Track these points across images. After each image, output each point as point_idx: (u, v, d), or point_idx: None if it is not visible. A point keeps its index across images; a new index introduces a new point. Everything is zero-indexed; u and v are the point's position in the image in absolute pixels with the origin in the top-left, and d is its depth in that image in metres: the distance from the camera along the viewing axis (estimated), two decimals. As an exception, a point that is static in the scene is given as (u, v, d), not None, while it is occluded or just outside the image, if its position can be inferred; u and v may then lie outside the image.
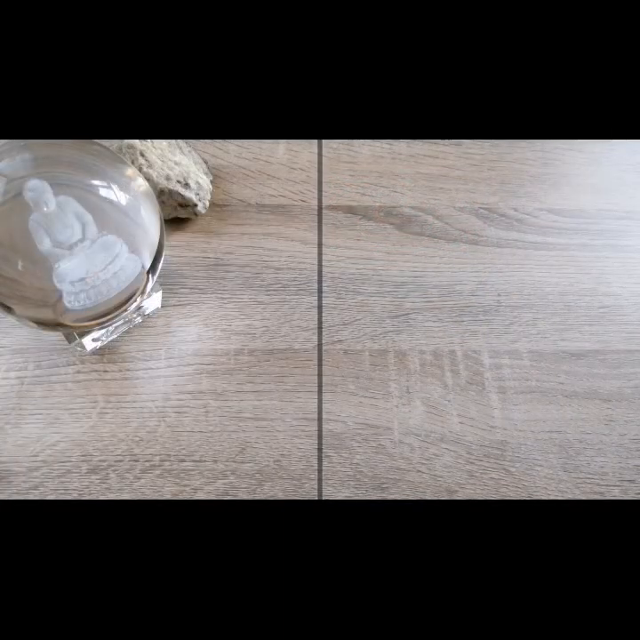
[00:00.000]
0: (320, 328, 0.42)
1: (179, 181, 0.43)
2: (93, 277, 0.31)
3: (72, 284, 0.31)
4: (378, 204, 0.48)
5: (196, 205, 0.44)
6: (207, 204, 0.45)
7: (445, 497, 0.37)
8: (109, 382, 0.39)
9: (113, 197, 0.32)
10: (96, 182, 0.31)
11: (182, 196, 0.43)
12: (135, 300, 0.35)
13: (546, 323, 0.43)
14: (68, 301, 0.31)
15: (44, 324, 0.33)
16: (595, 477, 0.38)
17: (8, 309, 0.31)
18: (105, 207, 0.31)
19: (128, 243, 0.32)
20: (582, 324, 0.44)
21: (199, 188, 0.44)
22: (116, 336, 0.40)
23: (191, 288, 0.43)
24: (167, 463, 0.37)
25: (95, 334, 0.38)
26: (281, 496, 0.36)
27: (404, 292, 0.44)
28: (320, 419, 0.39)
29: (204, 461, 0.37)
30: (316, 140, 0.50)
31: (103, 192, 0.31)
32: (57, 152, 0.31)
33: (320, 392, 0.40)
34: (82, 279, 0.31)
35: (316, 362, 0.41)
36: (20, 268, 0.30)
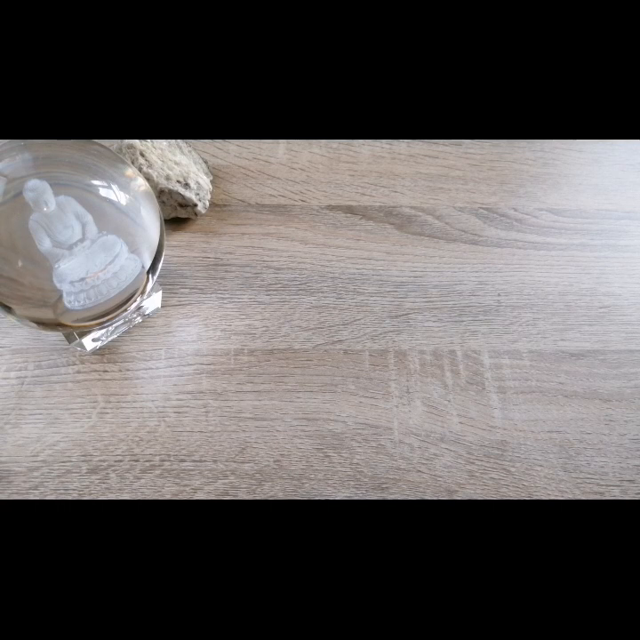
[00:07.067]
0: (320, 328, 0.42)
1: (179, 181, 0.43)
2: (93, 277, 0.31)
3: (72, 284, 0.31)
4: (378, 204, 0.48)
5: (195, 205, 0.44)
6: (207, 203, 0.45)
7: (445, 497, 0.37)
8: (109, 382, 0.39)
9: (113, 197, 0.32)
10: (96, 182, 0.31)
11: (182, 195, 0.43)
12: (135, 300, 0.35)
13: (546, 323, 0.43)
14: (68, 301, 0.31)
15: (44, 323, 0.33)
16: (595, 477, 0.38)
17: (8, 309, 0.31)
18: (105, 207, 0.31)
19: (128, 243, 0.32)
20: (582, 323, 0.44)
21: (199, 188, 0.44)
22: (116, 336, 0.40)
23: (191, 288, 0.43)
24: (167, 463, 0.37)
25: (95, 334, 0.38)
26: (281, 496, 0.36)
27: (403, 292, 0.44)
28: (320, 419, 0.39)
29: (204, 461, 0.37)
30: (315, 140, 0.50)
31: (103, 192, 0.31)
32: (57, 152, 0.31)
33: (320, 392, 0.40)
34: (82, 279, 0.31)
35: (316, 362, 0.41)
36: (19, 267, 0.30)
